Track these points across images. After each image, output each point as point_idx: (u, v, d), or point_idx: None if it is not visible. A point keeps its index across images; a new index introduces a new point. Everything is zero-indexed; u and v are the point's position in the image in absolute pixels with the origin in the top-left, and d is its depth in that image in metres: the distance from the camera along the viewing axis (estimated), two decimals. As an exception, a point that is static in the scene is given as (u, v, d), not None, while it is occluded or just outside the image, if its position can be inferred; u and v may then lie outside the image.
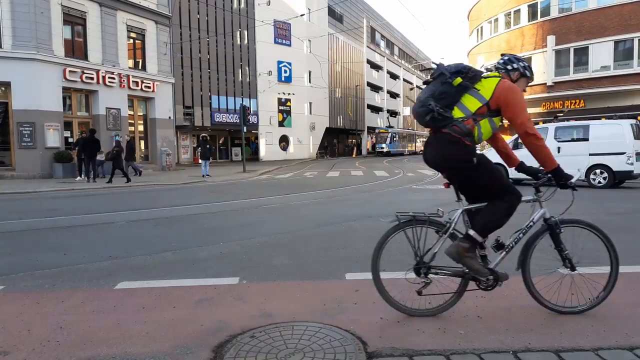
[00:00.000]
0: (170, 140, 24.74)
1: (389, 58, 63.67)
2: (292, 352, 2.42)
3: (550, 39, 26.01)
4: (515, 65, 2.93)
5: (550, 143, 12.20)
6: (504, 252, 2.92)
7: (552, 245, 2.94)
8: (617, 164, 11.69)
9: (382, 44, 62.24)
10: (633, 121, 12.62)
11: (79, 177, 16.70)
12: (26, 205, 10.04)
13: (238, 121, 26.59)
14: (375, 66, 59.00)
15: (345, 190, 12.77)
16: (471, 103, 2.77)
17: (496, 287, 2.91)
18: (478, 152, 2.83)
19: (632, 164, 11.49)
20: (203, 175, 18.37)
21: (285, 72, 39.35)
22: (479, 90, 2.77)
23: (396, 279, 3.03)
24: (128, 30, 21.81)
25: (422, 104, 2.80)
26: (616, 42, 23.91)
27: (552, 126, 13.40)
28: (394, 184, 14.56)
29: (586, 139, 12.33)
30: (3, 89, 17.64)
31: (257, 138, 38.93)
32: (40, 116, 17.63)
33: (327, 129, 46.55)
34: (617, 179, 11.91)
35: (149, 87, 22.64)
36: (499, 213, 2.80)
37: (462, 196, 2.95)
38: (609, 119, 24.78)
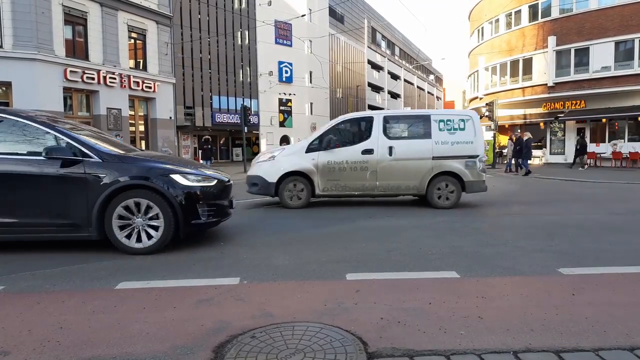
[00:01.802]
0: (171, 141, 24.78)
1: (390, 58, 63.63)
2: (292, 352, 2.42)
3: (551, 40, 25.99)
4: None
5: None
6: None
7: None
8: None
9: (383, 44, 62.22)
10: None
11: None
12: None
13: (239, 121, 26.62)
14: (376, 66, 58.97)
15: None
16: None
17: None
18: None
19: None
20: (204, 176, 18.40)
21: (286, 72, 39.36)
22: None
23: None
24: (129, 31, 21.84)
25: None
26: (617, 43, 23.89)
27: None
28: (395, 184, 14.52)
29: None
30: (4, 89, 17.66)
31: (257, 139, 38.93)
32: (41, 116, 17.64)
33: (327, 129, 46.56)
34: None
35: (150, 87, 22.66)
36: None
37: None
38: (610, 120, 24.86)
